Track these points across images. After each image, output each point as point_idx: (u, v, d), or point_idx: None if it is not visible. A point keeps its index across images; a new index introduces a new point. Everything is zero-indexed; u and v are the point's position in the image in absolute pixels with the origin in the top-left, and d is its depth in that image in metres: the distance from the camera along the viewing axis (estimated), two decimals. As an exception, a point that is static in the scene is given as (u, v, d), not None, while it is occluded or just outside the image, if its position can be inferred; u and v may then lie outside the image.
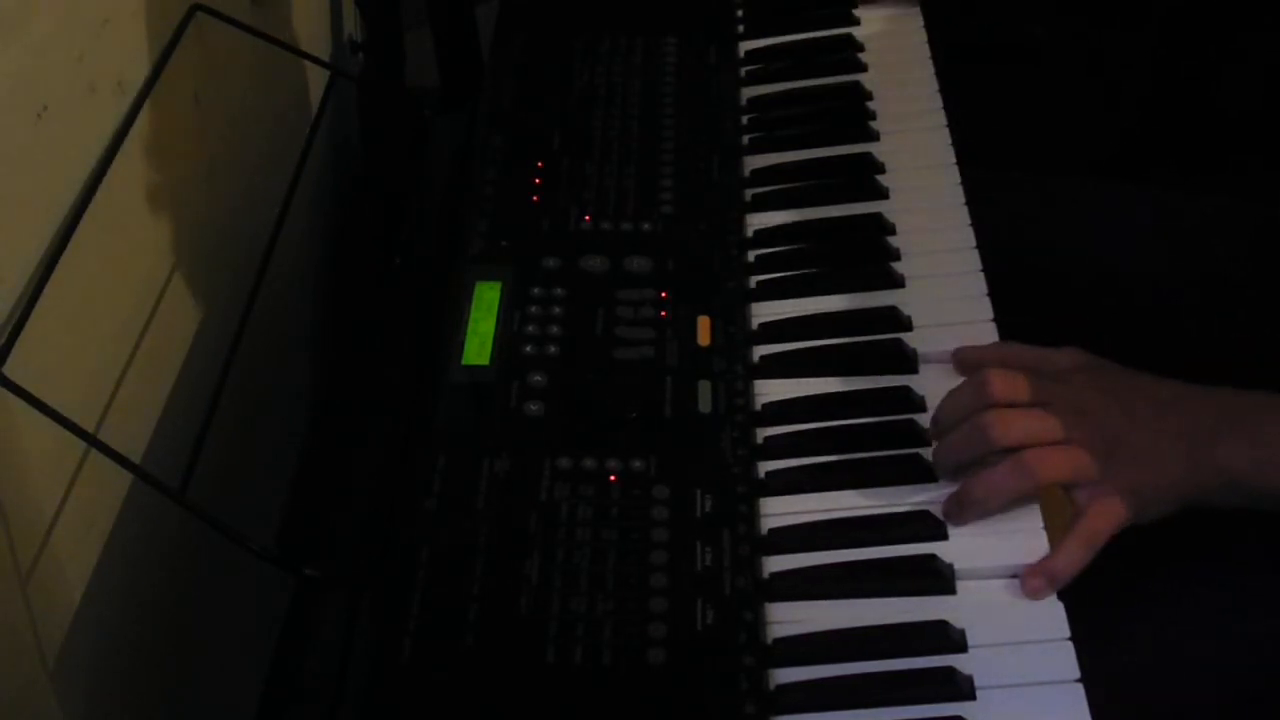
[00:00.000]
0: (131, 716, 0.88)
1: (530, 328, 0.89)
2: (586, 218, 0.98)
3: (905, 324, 0.90)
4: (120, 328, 0.87)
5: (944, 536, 0.78)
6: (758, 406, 0.86)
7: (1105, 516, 0.76)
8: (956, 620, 0.73)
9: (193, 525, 0.78)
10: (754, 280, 0.95)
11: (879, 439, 0.84)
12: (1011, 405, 0.80)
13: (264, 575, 0.81)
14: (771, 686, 0.72)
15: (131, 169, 0.85)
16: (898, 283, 0.93)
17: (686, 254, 0.95)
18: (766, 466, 0.83)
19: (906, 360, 0.88)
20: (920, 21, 1.15)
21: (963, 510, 0.78)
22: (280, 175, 1.06)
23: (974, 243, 0.95)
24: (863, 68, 1.12)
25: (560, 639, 0.73)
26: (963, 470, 0.79)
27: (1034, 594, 0.74)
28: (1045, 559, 0.75)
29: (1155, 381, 0.82)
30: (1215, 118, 1.32)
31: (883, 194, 1.00)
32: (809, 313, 0.92)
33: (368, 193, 1.25)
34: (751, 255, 0.97)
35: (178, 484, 0.78)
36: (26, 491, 0.75)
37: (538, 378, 0.86)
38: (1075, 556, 0.75)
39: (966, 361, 0.86)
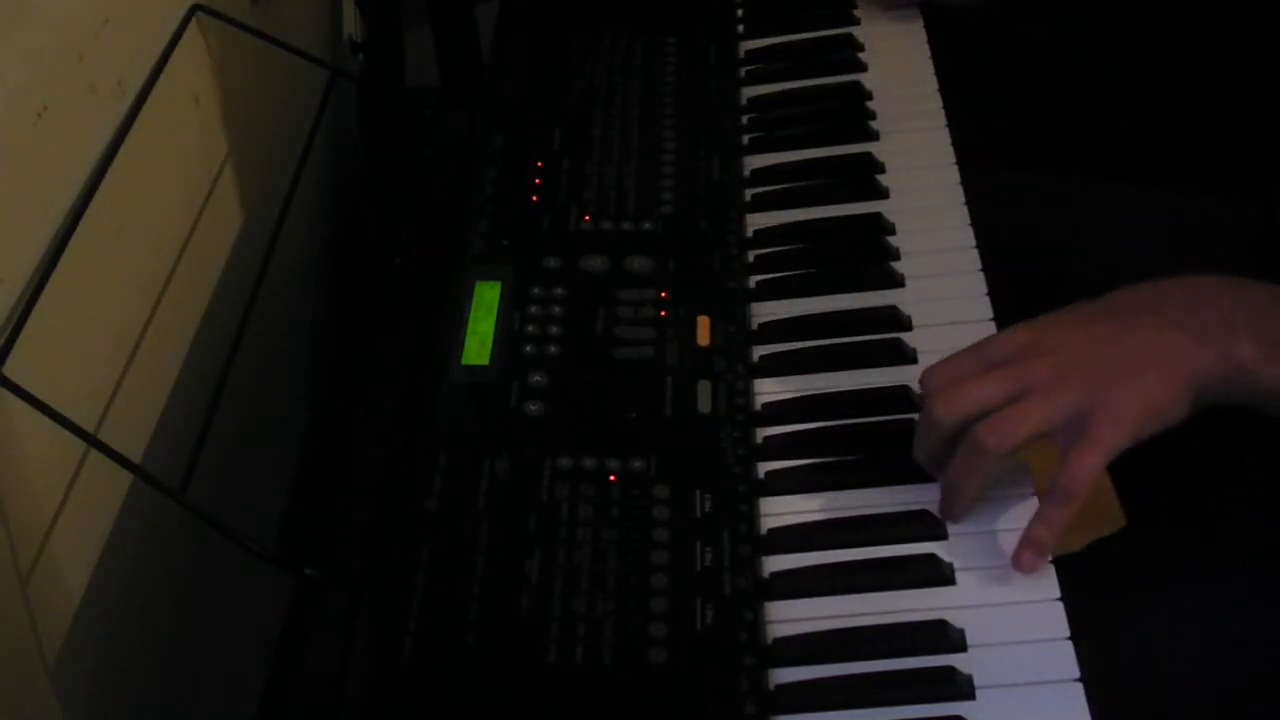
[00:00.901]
0: (131, 716, 0.88)
1: (530, 327, 0.89)
2: (586, 218, 0.98)
3: (905, 324, 0.90)
4: (120, 328, 0.87)
5: (943, 536, 0.78)
6: (757, 406, 0.86)
7: (1084, 456, 0.73)
8: (956, 619, 0.73)
9: (193, 525, 0.78)
10: (754, 280, 0.95)
11: (879, 439, 0.84)
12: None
13: (264, 575, 0.81)
14: (771, 686, 0.72)
15: (131, 169, 0.85)
16: (898, 282, 0.93)
17: (686, 254, 0.95)
18: (766, 466, 0.83)
19: (906, 359, 0.88)
20: (920, 21, 1.15)
21: (946, 505, 0.78)
22: (280, 175, 1.06)
23: (974, 243, 0.95)
24: (863, 68, 1.12)
25: (560, 639, 0.73)
26: (938, 460, 0.79)
27: (1026, 568, 0.73)
28: (1027, 529, 0.74)
29: (1130, 289, 0.78)
30: (1215, 118, 1.32)
31: (883, 194, 1.00)
32: (809, 312, 0.92)
33: (368, 193, 1.25)
34: (751, 255, 0.97)
35: (178, 484, 0.78)
36: (26, 491, 0.75)
37: (538, 378, 0.86)
38: (1054, 516, 0.74)
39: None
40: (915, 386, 0.86)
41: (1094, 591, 0.76)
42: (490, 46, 1.16)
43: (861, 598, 0.75)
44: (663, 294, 0.92)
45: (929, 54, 1.12)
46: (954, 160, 1.02)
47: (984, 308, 0.90)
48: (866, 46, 1.14)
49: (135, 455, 0.86)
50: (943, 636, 0.73)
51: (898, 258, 0.95)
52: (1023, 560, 0.74)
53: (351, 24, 1.31)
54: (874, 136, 1.05)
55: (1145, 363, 0.74)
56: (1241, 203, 1.08)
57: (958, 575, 0.76)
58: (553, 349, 0.88)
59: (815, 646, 0.73)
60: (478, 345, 0.88)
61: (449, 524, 0.78)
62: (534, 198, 0.99)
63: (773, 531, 0.79)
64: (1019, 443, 0.75)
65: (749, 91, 1.12)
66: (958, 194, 0.99)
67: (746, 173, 1.04)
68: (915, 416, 0.83)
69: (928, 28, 1.15)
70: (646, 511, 0.78)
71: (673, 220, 0.98)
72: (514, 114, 1.07)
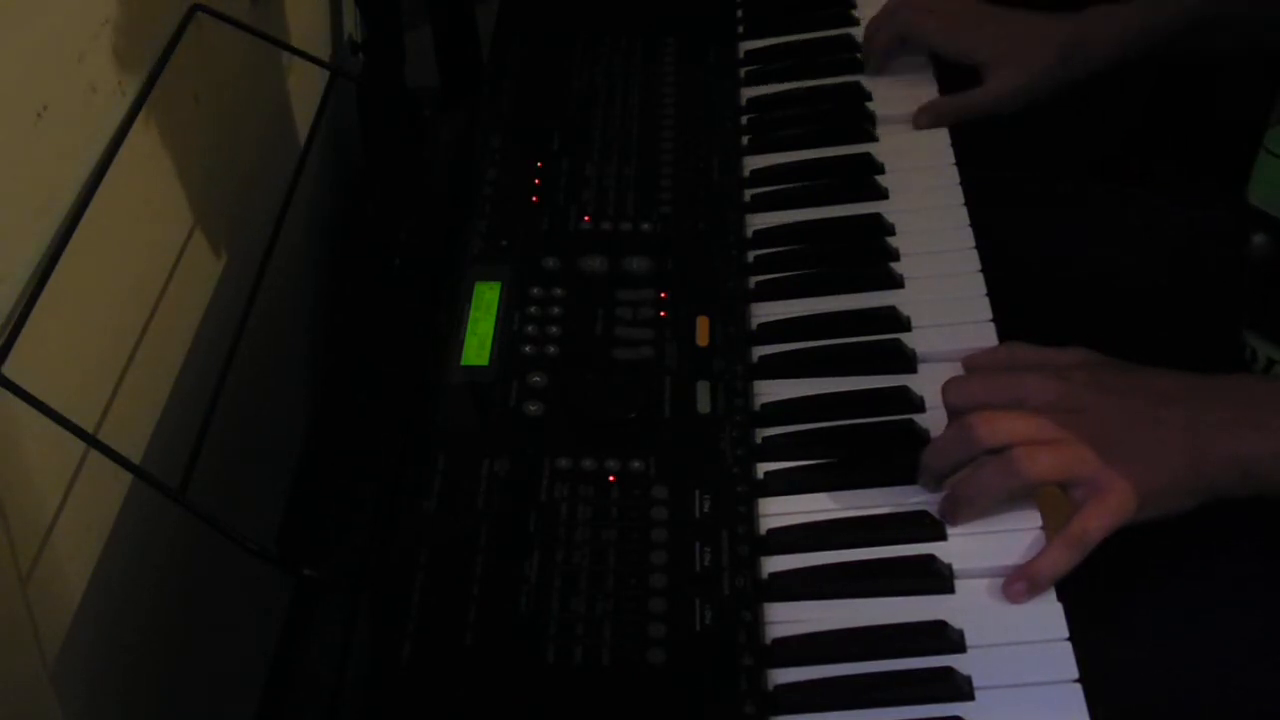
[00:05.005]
0: (131, 716, 0.88)
1: (530, 328, 0.89)
2: (586, 218, 0.98)
3: (904, 324, 0.90)
4: (120, 328, 0.87)
5: (943, 537, 0.78)
6: (757, 407, 0.86)
7: (1097, 516, 0.75)
8: (955, 620, 0.73)
9: (193, 525, 0.78)
10: (753, 280, 0.95)
11: (878, 439, 0.84)
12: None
13: (264, 575, 0.81)
14: (770, 686, 0.72)
15: (131, 169, 0.85)
16: (897, 283, 0.93)
17: (686, 254, 0.95)
18: (765, 467, 0.83)
19: (905, 360, 0.88)
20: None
21: (955, 511, 0.78)
22: (280, 175, 1.07)
23: (973, 243, 0.95)
24: (863, 68, 1.12)
25: (560, 639, 0.73)
26: (950, 473, 0.79)
27: (1015, 598, 0.74)
28: (1028, 562, 0.75)
29: (1158, 375, 0.81)
30: (1215, 120, 1.32)
31: (882, 194, 1.00)
32: (808, 313, 0.92)
33: (368, 193, 1.26)
34: (751, 255, 0.97)
35: (178, 484, 0.78)
36: (26, 491, 0.75)
37: (537, 378, 0.86)
38: (1059, 559, 0.75)
39: (972, 365, 0.86)
40: (914, 387, 0.86)
41: (1094, 591, 0.76)
42: (490, 46, 1.16)
43: (861, 598, 0.75)
44: (662, 294, 0.92)
45: (929, 54, 1.12)
46: (954, 160, 1.02)
47: (984, 308, 0.90)
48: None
49: (135, 455, 0.86)
50: (942, 637, 0.72)
51: (897, 258, 0.95)
52: (1016, 589, 0.74)
53: (351, 24, 1.31)
54: (874, 137, 1.06)
55: (1165, 457, 0.77)
56: (1239, 206, 1.08)
57: (957, 576, 0.76)
58: (552, 349, 0.88)
59: (814, 647, 0.73)
60: (477, 346, 0.88)
61: (448, 524, 0.78)
62: (533, 198, 0.99)
63: (772, 532, 0.79)
64: (1049, 478, 0.77)
65: (749, 92, 1.12)
66: (957, 194, 0.99)
67: (746, 173, 1.04)
68: (914, 417, 0.84)
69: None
70: (645, 512, 0.78)
71: (672, 220, 0.98)
72: (514, 114, 1.07)
